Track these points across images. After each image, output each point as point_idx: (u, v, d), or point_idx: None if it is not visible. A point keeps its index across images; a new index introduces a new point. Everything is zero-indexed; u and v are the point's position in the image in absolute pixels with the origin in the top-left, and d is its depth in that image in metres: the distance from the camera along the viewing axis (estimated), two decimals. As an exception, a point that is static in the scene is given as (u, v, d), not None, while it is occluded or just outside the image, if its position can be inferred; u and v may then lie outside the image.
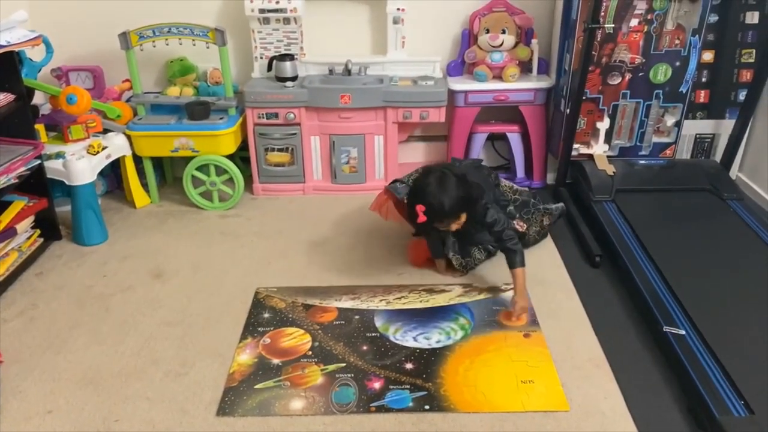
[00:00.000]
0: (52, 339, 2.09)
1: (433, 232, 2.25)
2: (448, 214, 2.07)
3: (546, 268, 2.46)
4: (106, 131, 2.88)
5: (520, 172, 3.15)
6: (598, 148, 2.96)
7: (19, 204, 2.49)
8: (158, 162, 3.14)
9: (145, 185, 3.04)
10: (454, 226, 2.14)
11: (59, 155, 2.63)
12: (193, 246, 2.67)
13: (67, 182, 2.61)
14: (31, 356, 2.01)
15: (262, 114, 2.93)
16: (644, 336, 2.07)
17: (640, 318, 2.15)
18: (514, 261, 2.19)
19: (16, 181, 2.38)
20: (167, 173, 3.26)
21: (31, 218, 2.56)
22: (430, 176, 2.10)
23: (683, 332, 1.95)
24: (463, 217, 2.13)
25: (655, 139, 3.00)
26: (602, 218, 2.63)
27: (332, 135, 2.98)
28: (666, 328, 1.97)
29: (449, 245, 2.35)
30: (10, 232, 2.42)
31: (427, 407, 1.78)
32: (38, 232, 2.62)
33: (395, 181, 2.40)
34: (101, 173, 2.97)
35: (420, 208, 2.04)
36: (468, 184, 2.12)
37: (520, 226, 2.46)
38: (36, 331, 2.14)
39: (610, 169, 2.88)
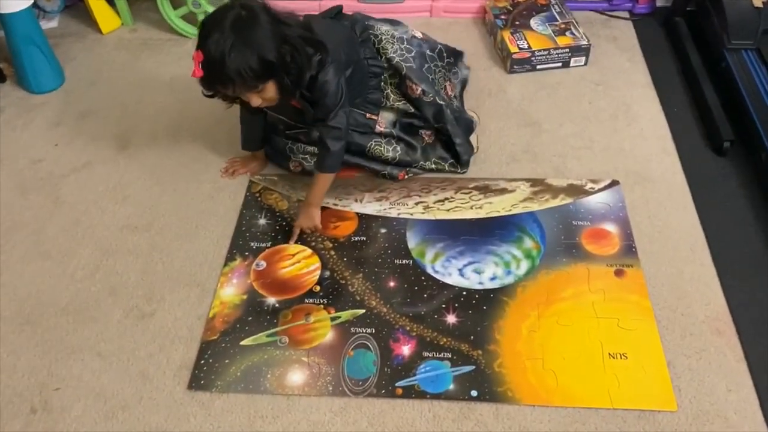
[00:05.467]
0: (-16, 246, 1.60)
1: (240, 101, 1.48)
2: (230, 77, 1.31)
3: (649, 155, 1.76)
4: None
5: (621, -11, 2.27)
6: (743, -40, 2.02)
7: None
8: (127, -34, 2.34)
9: (111, 0, 2.30)
10: (255, 100, 1.39)
11: (-25, -34, 1.88)
12: (172, 99, 2.01)
13: (-9, 9, 1.90)
14: (-45, 275, 1.54)
15: None
16: (791, 281, 1.45)
17: (784, 248, 1.51)
18: (324, 162, 1.54)
19: None
20: (143, -21, 2.47)
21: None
22: (229, 12, 1.32)
23: None
24: (271, 90, 1.38)
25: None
26: (738, 76, 1.84)
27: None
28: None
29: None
30: None
31: (474, 393, 1.28)
32: (-30, 74, 2.00)
33: None
34: (53, -18, 2.23)
35: (197, 56, 1.31)
36: (282, 37, 1.34)
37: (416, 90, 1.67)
38: (-36, 232, 1.64)
39: (759, -3, 1.99)
